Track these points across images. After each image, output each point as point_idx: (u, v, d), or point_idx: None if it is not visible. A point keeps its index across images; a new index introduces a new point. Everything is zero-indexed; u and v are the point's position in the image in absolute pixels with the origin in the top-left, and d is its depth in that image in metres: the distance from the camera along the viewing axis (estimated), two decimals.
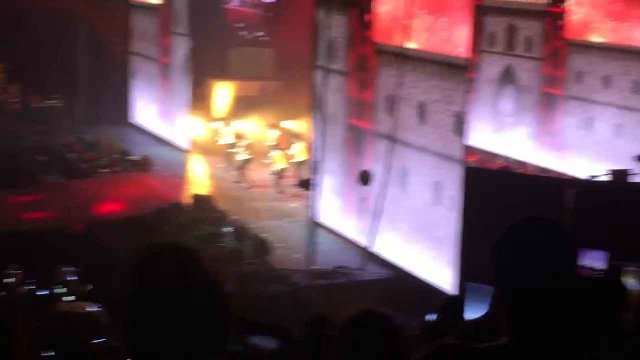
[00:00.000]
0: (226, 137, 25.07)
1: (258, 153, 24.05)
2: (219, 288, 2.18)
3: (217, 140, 25.56)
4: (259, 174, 23.92)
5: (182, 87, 26.96)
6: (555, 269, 2.34)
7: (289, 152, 23.03)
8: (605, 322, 3.97)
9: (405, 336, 3.35)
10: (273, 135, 24.15)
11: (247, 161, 23.68)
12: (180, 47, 27.02)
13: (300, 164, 22.82)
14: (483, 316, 3.75)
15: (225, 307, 2.17)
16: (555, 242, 2.36)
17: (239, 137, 24.47)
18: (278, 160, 22.79)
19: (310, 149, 23.28)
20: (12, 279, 15.90)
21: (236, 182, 23.61)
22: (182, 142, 27.00)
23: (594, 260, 11.68)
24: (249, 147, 23.92)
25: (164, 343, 2.11)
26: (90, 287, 15.31)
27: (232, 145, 24.53)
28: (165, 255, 2.20)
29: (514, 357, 2.30)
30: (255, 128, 25.15)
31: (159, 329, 2.11)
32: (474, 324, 3.70)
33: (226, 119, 26.22)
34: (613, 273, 7.59)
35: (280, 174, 22.69)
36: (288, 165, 22.85)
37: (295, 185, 21.28)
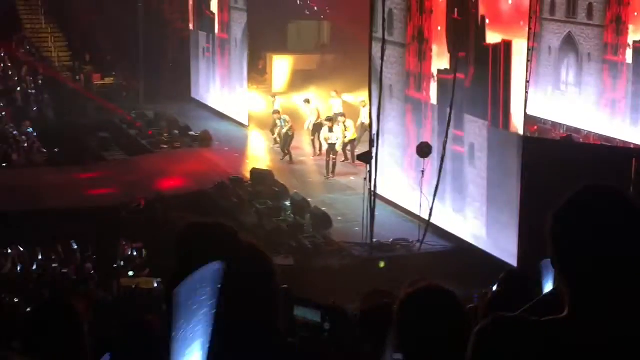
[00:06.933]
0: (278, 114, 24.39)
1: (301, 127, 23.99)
2: (261, 264, 2.16)
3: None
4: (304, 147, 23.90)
5: (241, 61, 27.03)
6: (620, 236, 2.18)
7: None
8: None
9: (467, 312, 3.29)
10: (308, 109, 23.71)
11: (289, 137, 23.42)
12: (239, 22, 27.05)
13: (350, 142, 22.67)
14: (552, 291, 3.64)
15: (271, 283, 2.14)
16: (619, 209, 2.23)
17: (277, 113, 23.98)
18: (330, 137, 22.40)
19: (359, 126, 23.12)
20: (77, 255, 16.15)
21: (282, 158, 23.38)
22: (241, 116, 27.09)
23: None
24: (291, 122, 23.57)
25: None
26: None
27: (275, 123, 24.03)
28: (203, 235, 2.19)
29: (572, 331, 2.22)
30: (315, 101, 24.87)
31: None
32: (544, 300, 3.61)
33: (282, 93, 26.07)
34: None
35: (333, 150, 22.39)
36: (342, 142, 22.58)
37: (356, 158, 21.14)
